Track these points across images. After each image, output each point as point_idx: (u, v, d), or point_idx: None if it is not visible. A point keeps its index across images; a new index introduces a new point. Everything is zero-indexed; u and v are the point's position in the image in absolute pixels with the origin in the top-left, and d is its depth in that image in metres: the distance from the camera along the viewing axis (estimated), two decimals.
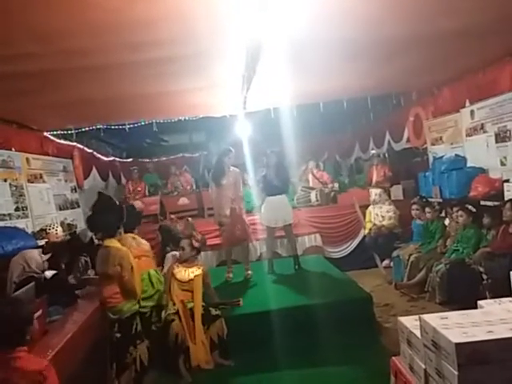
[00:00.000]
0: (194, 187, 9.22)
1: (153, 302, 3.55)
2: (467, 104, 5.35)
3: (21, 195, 4.85)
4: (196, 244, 4.05)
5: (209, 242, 6.32)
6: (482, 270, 4.01)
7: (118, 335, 2.94)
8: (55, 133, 6.30)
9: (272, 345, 3.69)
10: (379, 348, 3.69)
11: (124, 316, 2.96)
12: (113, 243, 3.03)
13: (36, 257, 3.32)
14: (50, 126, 5.95)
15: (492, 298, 2.86)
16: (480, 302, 2.03)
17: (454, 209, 5.06)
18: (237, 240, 5.24)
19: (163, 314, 3.62)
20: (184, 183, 8.93)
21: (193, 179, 9.41)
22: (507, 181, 4.54)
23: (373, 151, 8.38)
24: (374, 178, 8.01)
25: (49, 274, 3.33)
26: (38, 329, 2.38)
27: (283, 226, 5.36)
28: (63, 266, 3.71)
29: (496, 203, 4.52)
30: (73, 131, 6.49)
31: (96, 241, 3.95)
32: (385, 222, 6.56)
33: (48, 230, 4.42)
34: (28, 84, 3.60)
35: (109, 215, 3.08)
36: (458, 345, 1.46)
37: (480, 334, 1.51)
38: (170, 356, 3.46)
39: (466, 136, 5.45)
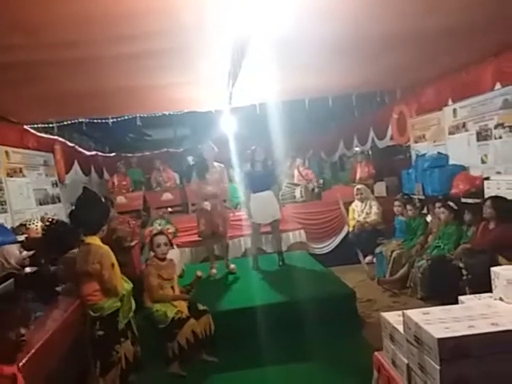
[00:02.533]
0: (178, 182, 9.15)
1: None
2: (450, 102, 5.43)
3: None
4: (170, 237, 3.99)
5: (193, 238, 6.31)
6: (462, 265, 4.08)
7: (101, 333, 2.89)
8: (36, 126, 6.17)
9: (255, 341, 3.68)
10: (362, 343, 3.72)
11: (105, 313, 2.91)
12: (94, 240, 2.97)
13: (15, 252, 3.23)
14: (31, 118, 5.83)
15: (471, 293, 2.93)
16: (461, 298, 2.06)
17: (436, 205, 5.14)
18: (215, 234, 5.20)
19: (169, 315, 3.51)
20: (166, 179, 8.84)
21: (176, 175, 9.34)
22: (487, 178, 4.64)
23: (357, 148, 8.45)
24: (358, 175, 8.10)
25: (29, 270, 3.26)
26: None
27: (270, 222, 5.36)
28: (43, 262, 3.64)
29: (476, 200, 4.61)
30: (54, 124, 6.37)
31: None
32: (368, 219, 6.63)
33: (28, 226, 4.32)
34: (9, 76, 3.52)
35: (93, 212, 3.02)
36: (440, 340, 1.48)
37: (462, 329, 1.53)
38: (173, 354, 3.42)
39: (449, 134, 5.54)
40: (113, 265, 2.94)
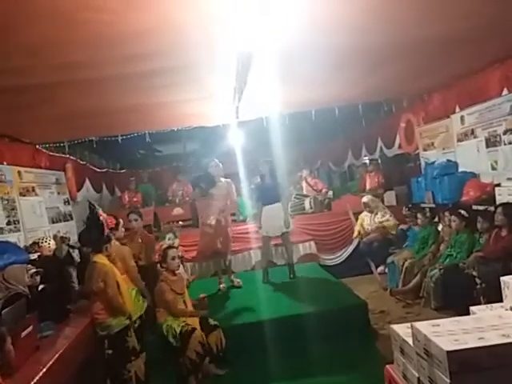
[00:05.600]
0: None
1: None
2: (457, 110, 5.40)
3: (12, 209, 4.82)
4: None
5: None
6: (475, 274, 4.02)
7: (110, 352, 2.89)
8: (48, 145, 6.29)
9: (267, 354, 3.67)
10: (375, 355, 3.66)
11: (113, 332, 2.91)
12: (100, 259, 2.98)
13: (16, 273, 3.23)
14: (42, 138, 5.94)
15: (486, 302, 2.89)
16: (472, 308, 2.03)
17: (447, 214, 5.08)
18: (216, 252, 5.18)
19: (177, 329, 3.47)
20: (185, 193, 8.86)
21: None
22: (498, 185, 4.58)
23: (365, 158, 8.41)
24: (368, 185, 8.05)
25: (40, 288, 3.30)
26: (29, 345, 2.36)
27: (281, 234, 5.34)
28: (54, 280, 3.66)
29: (488, 207, 4.55)
30: (65, 143, 6.49)
31: (76, 256, 3.83)
32: (380, 227, 6.55)
33: (40, 244, 4.39)
34: (20, 98, 3.60)
35: (94, 229, 3.04)
36: (449, 353, 1.46)
37: (471, 342, 1.51)
38: (186, 369, 3.39)
39: (457, 141, 5.50)
40: (118, 283, 2.94)
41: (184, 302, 3.80)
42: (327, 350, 3.65)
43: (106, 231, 3.08)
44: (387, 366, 2.08)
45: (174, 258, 3.79)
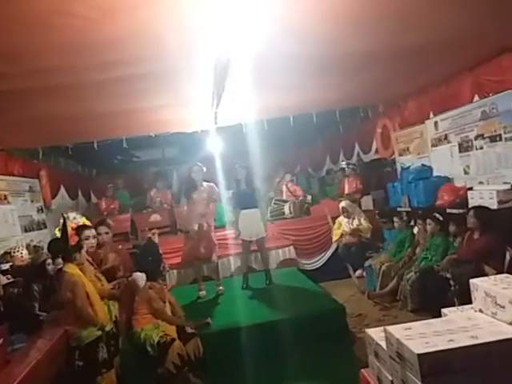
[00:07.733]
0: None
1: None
2: (431, 115, 5.53)
3: None
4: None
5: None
6: (449, 276, 4.10)
7: (80, 363, 2.81)
8: (21, 152, 6.14)
9: (246, 361, 3.65)
10: (353, 359, 3.68)
11: (83, 343, 2.84)
12: (69, 268, 2.91)
13: None
14: (16, 145, 5.80)
15: (460, 303, 2.95)
16: (444, 310, 2.06)
17: (422, 217, 5.18)
18: (199, 258, 5.15)
19: (155, 338, 3.41)
20: (163, 199, 8.75)
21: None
22: (471, 189, 4.70)
23: (343, 163, 8.51)
24: (346, 190, 8.13)
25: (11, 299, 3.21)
26: None
27: (256, 239, 5.35)
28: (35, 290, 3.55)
29: (461, 211, 4.66)
30: (39, 150, 6.35)
31: (49, 266, 3.70)
32: (360, 226, 6.62)
33: (12, 253, 4.28)
34: None
35: (61, 239, 2.99)
36: (420, 355, 1.48)
37: (441, 344, 1.53)
38: (162, 380, 3.34)
39: (432, 146, 5.62)
40: (88, 293, 2.88)
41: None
42: (305, 354, 3.65)
43: (74, 240, 3.03)
44: (362, 371, 2.09)
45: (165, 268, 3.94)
